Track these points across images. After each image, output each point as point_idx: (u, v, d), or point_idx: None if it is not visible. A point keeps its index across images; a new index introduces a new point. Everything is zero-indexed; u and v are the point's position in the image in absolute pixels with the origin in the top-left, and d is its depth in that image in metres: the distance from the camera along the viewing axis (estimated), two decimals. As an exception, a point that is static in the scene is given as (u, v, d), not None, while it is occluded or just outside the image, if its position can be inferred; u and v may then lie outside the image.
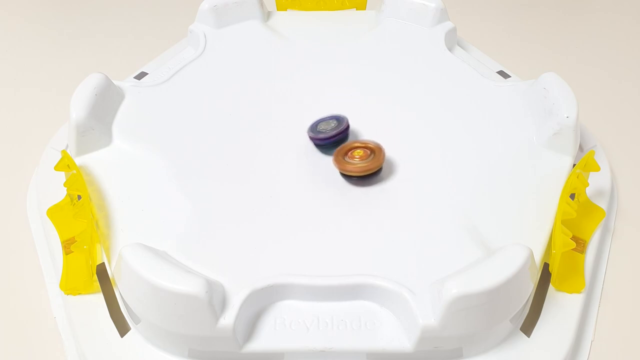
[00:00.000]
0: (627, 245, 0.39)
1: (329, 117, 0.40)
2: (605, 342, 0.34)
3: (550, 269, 0.34)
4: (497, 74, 0.47)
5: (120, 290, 0.32)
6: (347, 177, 0.37)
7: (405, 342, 0.30)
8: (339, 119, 0.39)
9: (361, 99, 0.42)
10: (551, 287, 0.34)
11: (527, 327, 0.32)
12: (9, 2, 0.64)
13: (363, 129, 0.40)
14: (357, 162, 0.36)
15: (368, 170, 0.36)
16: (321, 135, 0.38)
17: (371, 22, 0.50)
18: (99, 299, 0.33)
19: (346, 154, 0.37)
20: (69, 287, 0.34)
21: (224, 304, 0.30)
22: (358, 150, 0.37)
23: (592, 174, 0.39)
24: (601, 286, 0.36)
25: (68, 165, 0.37)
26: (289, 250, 0.33)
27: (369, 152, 0.37)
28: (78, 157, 0.38)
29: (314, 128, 0.39)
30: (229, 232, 0.34)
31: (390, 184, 0.37)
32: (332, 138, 0.38)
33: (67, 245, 0.35)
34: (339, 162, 0.37)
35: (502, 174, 0.37)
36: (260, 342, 0.30)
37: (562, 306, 0.33)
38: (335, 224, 0.34)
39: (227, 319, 0.29)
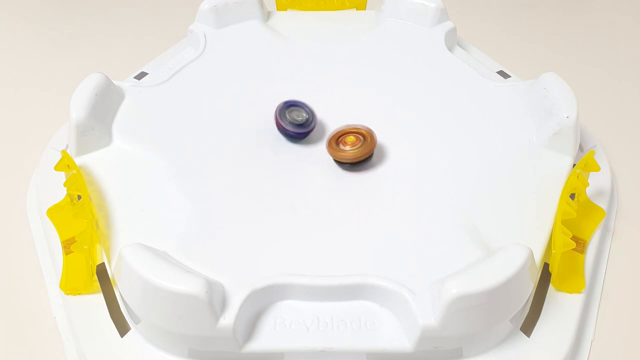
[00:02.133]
0: (627, 245, 0.39)
1: (294, 102, 0.39)
2: (605, 342, 0.34)
3: (550, 269, 0.34)
4: (497, 74, 0.47)
5: (120, 290, 0.32)
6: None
7: (405, 342, 0.30)
8: (307, 112, 0.39)
9: (361, 99, 0.42)
10: (551, 287, 0.34)
11: (527, 327, 0.32)
12: (9, 2, 0.64)
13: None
14: (349, 150, 0.37)
15: (360, 157, 0.36)
16: (294, 130, 0.38)
17: (371, 22, 0.50)
18: (99, 299, 0.33)
19: (338, 140, 0.37)
20: (69, 287, 0.34)
21: (224, 304, 0.30)
22: (350, 137, 0.37)
23: (592, 174, 0.39)
24: (601, 286, 0.36)
25: (68, 165, 0.37)
26: (289, 250, 0.33)
27: (361, 137, 0.37)
28: (78, 157, 0.38)
29: (283, 113, 0.39)
30: (229, 232, 0.34)
31: (391, 183, 0.37)
32: (302, 134, 0.39)
33: (67, 245, 0.35)
34: (332, 149, 0.37)
35: (502, 174, 0.37)
36: (260, 342, 0.30)
37: (562, 306, 0.33)
38: (335, 224, 0.34)
39: (227, 319, 0.29)
